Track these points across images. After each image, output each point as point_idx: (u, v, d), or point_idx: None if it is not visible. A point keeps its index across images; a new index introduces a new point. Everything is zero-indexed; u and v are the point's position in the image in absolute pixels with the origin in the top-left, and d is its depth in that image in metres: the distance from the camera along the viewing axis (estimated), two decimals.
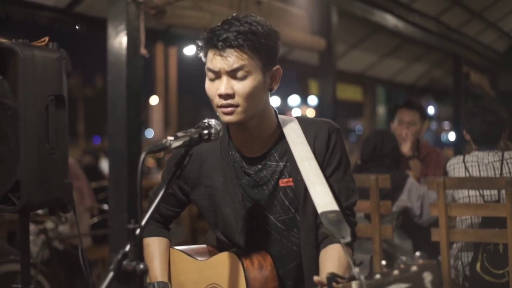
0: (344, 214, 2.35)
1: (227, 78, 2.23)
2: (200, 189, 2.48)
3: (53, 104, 2.64)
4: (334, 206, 2.13)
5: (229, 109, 2.24)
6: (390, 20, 8.63)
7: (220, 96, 2.23)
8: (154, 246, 2.58)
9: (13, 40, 2.60)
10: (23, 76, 2.52)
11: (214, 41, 2.22)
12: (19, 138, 2.52)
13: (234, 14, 2.32)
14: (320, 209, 2.13)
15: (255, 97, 2.26)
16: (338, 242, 1.99)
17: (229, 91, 2.22)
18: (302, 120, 2.44)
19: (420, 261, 1.66)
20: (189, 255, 2.55)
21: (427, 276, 1.64)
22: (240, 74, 2.22)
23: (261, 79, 2.27)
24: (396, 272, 1.66)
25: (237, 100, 2.23)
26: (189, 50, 7.70)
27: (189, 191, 2.52)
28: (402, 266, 1.68)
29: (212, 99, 2.28)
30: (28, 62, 2.54)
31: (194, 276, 2.50)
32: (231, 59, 2.21)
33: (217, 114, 2.29)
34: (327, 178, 2.34)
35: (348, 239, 1.98)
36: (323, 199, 2.16)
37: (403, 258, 1.69)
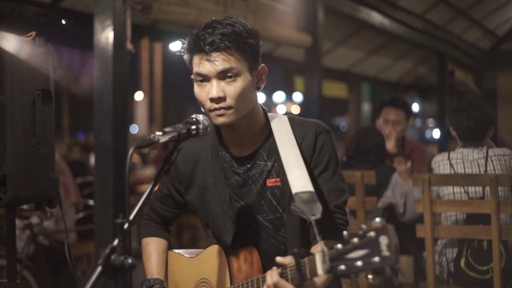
0: (334, 213, 2.37)
1: (217, 81, 2.24)
2: (193, 189, 2.51)
3: (40, 99, 2.63)
4: (309, 187, 2.15)
5: (221, 111, 2.25)
6: (376, 18, 8.66)
7: (212, 100, 2.24)
8: (153, 245, 2.64)
9: (0, 34, 2.58)
10: (10, 71, 2.51)
11: (200, 45, 2.22)
12: (6, 133, 2.51)
13: (214, 18, 2.32)
14: (294, 190, 2.15)
15: (245, 97, 2.27)
16: (308, 219, 2.01)
17: (221, 94, 2.23)
18: (292, 119, 2.44)
19: (377, 226, 1.71)
20: (183, 255, 2.58)
21: (383, 240, 1.70)
22: (229, 75, 2.23)
23: (250, 78, 2.28)
24: (355, 239, 1.74)
25: (228, 102, 2.24)
26: (175, 46, 7.68)
27: (184, 192, 2.55)
28: (360, 232, 1.74)
29: (203, 103, 2.28)
30: (15, 57, 2.54)
31: (187, 274, 2.54)
32: (218, 62, 2.21)
33: (210, 117, 2.29)
34: (315, 179, 2.36)
35: (319, 216, 2.01)
36: (299, 181, 2.18)
37: (363, 226, 1.73)
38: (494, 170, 4.00)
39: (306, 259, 1.91)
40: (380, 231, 1.70)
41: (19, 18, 5.23)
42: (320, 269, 1.84)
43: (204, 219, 2.53)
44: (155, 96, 29.94)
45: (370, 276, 1.93)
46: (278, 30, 6.90)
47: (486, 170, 4.02)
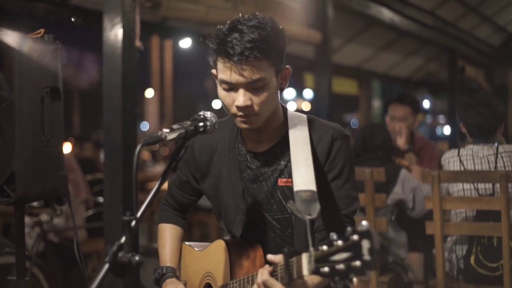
0: (342, 221, 2.35)
1: (244, 91, 2.21)
2: (208, 178, 2.53)
3: (49, 96, 2.63)
4: (312, 186, 2.14)
5: (246, 118, 2.25)
6: (386, 14, 8.64)
7: (238, 108, 2.23)
8: (169, 232, 2.68)
9: (9, 32, 2.59)
10: (18, 68, 2.51)
11: (228, 52, 2.17)
12: (14, 130, 2.52)
13: (240, 15, 2.26)
14: (296, 187, 2.15)
15: (271, 103, 2.27)
16: (303, 218, 1.99)
17: (248, 103, 2.21)
18: (311, 120, 2.43)
19: (362, 229, 1.71)
20: (193, 248, 2.61)
21: (365, 244, 1.69)
22: (258, 86, 2.21)
23: (275, 83, 2.27)
24: (339, 242, 1.73)
25: (255, 109, 2.23)
26: (185, 43, 7.68)
27: (200, 180, 2.57)
28: (346, 235, 1.73)
29: (228, 108, 2.27)
30: (23, 54, 2.54)
31: (196, 267, 2.57)
32: (247, 73, 2.18)
33: (234, 120, 2.30)
34: (327, 184, 2.35)
35: (314, 216, 2.00)
36: (303, 179, 2.18)
37: (349, 229, 1.73)
38: (504, 166, 3.99)
39: (294, 258, 1.90)
40: (363, 234, 1.70)
41: (28, 16, 5.25)
42: (305, 270, 1.84)
43: (217, 209, 2.54)
44: (165, 93, 29.98)
45: (354, 280, 1.91)
46: (288, 27, 6.83)
47: (496, 167, 4.01)
